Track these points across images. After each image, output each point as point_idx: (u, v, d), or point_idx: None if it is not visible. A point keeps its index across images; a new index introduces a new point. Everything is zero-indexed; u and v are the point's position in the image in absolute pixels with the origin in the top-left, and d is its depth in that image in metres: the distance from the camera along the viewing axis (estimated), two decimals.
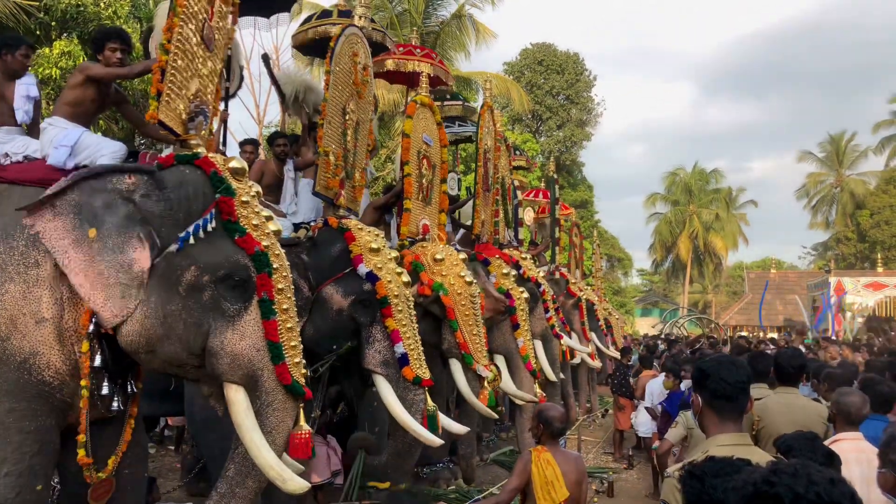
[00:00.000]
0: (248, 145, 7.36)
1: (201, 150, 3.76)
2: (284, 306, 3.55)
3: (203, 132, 3.98)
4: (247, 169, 3.76)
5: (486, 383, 6.26)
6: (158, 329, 3.34)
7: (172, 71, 3.69)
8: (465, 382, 6.20)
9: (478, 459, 8.48)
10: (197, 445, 5.81)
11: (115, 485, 3.82)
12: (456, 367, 6.24)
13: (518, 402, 7.01)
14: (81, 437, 3.52)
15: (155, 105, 3.58)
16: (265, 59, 7.54)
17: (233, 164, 3.69)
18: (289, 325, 3.55)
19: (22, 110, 4.59)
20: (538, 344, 7.76)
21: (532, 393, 7.17)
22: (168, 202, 3.44)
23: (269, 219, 3.71)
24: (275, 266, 3.54)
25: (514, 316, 7.34)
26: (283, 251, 3.71)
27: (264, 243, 3.54)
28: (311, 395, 3.61)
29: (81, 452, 3.54)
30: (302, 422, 3.56)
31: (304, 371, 3.59)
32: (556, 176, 14.96)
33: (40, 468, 3.46)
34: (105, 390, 3.59)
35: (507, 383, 7.06)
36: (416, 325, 5.14)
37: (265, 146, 8.56)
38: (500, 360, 7.25)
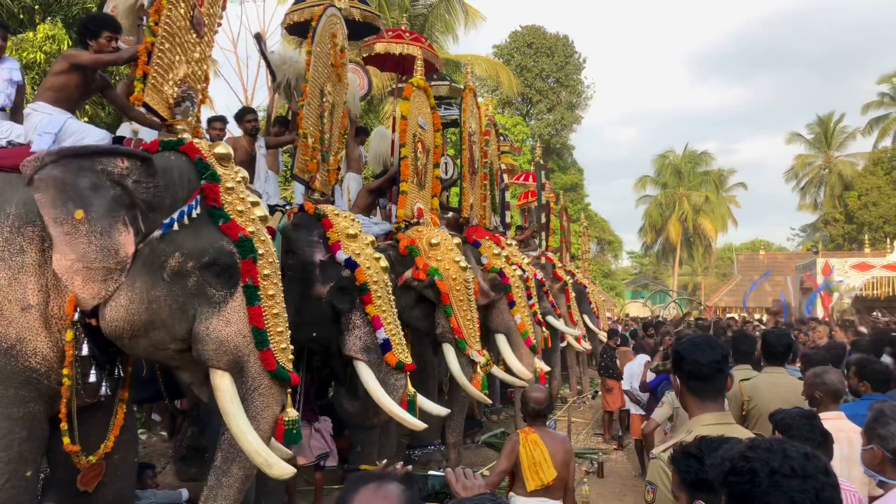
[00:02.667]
0: (217, 122, 7.18)
1: (186, 135, 3.74)
2: (270, 292, 3.55)
3: (190, 118, 3.96)
4: (232, 154, 3.73)
5: (478, 368, 6.30)
6: (143, 314, 3.35)
7: (159, 53, 3.66)
8: (459, 367, 6.24)
9: (469, 441, 8.59)
10: (200, 427, 5.79)
11: (104, 469, 3.84)
12: (449, 351, 6.27)
13: (516, 382, 7.10)
14: (64, 426, 3.54)
15: (140, 87, 3.55)
16: (258, 38, 7.46)
17: (218, 149, 3.67)
18: (275, 311, 3.55)
19: (3, 94, 4.55)
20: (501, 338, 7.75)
21: (531, 368, 7.23)
22: (157, 188, 3.43)
23: (254, 204, 3.69)
24: (260, 252, 3.53)
25: (510, 294, 7.39)
26: (269, 237, 3.70)
27: (249, 229, 3.53)
28: (297, 380, 3.62)
29: (66, 440, 3.56)
30: (289, 407, 3.56)
31: (290, 357, 3.60)
32: (542, 161, 14.98)
33: (29, 454, 3.48)
34: (92, 378, 3.60)
35: (510, 360, 7.15)
36: (395, 311, 5.13)
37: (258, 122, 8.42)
38: (500, 339, 7.33)
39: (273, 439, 3.61)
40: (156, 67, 3.66)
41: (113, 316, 3.34)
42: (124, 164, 3.37)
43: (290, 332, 3.71)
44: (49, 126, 3.84)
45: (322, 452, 5.88)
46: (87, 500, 3.85)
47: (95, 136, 3.86)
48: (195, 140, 3.69)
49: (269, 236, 3.72)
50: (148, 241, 3.38)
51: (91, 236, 3.29)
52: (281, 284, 3.71)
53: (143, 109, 3.82)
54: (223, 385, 3.42)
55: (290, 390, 3.65)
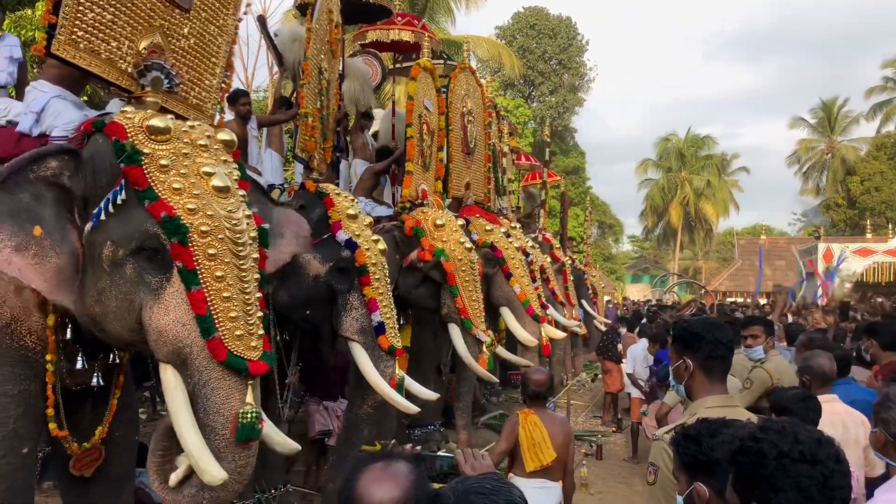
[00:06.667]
0: None
1: (148, 110, 3.49)
2: (218, 273, 3.15)
3: (174, 88, 3.80)
4: (170, 127, 3.31)
5: (484, 347, 6.34)
6: (96, 307, 3.25)
7: (112, 26, 3.49)
8: (465, 347, 6.29)
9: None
10: None
11: (103, 453, 3.83)
12: (455, 331, 6.32)
13: (521, 362, 7.15)
14: (50, 411, 3.50)
15: (43, 37, 3.34)
16: (261, 20, 7.38)
17: (152, 122, 3.27)
18: (225, 295, 3.15)
19: (5, 72, 4.53)
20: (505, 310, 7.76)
21: (536, 335, 7.26)
22: (86, 179, 3.28)
23: (208, 174, 3.26)
24: (204, 229, 3.14)
25: (506, 266, 7.42)
26: (221, 210, 3.24)
27: (189, 206, 3.15)
28: (262, 369, 3.22)
29: (52, 426, 3.53)
30: (249, 398, 3.14)
31: (254, 343, 3.20)
32: (549, 140, 14.95)
33: (25, 432, 3.47)
34: (79, 364, 3.56)
35: (515, 329, 7.23)
36: (390, 294, 5.14)
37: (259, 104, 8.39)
38: (504, 311, 7.38)
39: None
40: (100, 36, 3.49)
41: (77, 309, 3.30)
42: (54, 163, 3.22)
43: (259, 314, 3.30)
44: (34, 105, 3.77)
45: (324, 429, 5.94)
46: (90, 479, 3.84)
47: (64, 120, 3.72)
48: (126, 114, 3.37)
49: (223, 209, 3.24)
50: (85, 234, 3.26)
51: (55, 248, 3.18)
52: (243, 263, 3.27)
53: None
54: (165, 377, 3.20)
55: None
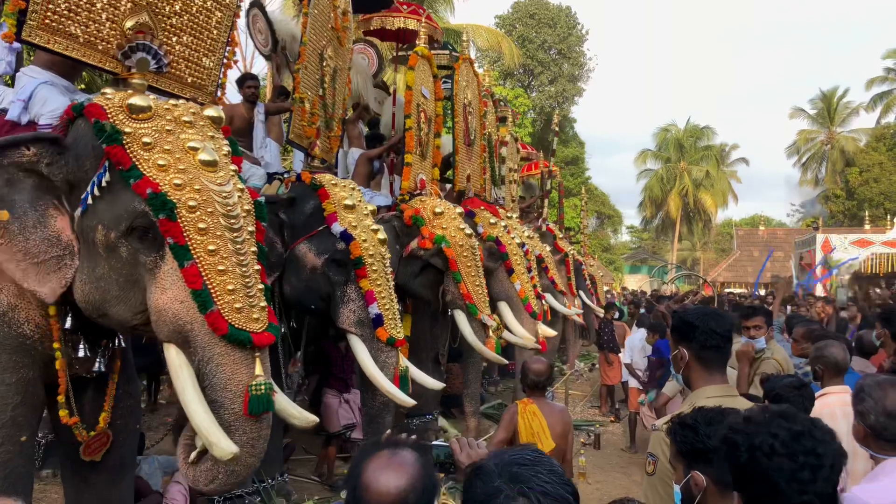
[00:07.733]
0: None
1: (129, 90, 3.44)
2: (211, 247, 3.07)
3: (163, 69, 3.73)
4: (150, 106, 3.25)
5: (490, 332, 6.35)
6: (95, 294, 3.24)
7: (88, 8, 3.42)
8: (472, 332, 6.29)
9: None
10: None
11: (111, 437, 3.83)
12: (461, 317, 6.33)
13: (528, 344, 7.17)
14: (61, 398, 3.50)
15: (11, 23, 3.29)
16: (260, 5, 7.35)
17: (132, 100, 3.20)
18: (221, 268, 3.07)
19: (4, 61, 4.49)
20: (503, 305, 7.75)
21: (534, 332, 7.28)
22: (68, 165, 3.26)
23: (193, 149, 3.20)
24: (191, 204, 3.07)
25: (508, 261, 7.43)
26: (209, 184, 3.17)
27: (176, 181, 3.08)
28: (268, 340, 3.13)
29: (63, 413, 3.53)
30: (258, 370, 3.06)
31: (256, 315, 3.12)
32: (557, 129, 14.90)
33: (24, 419, 3.46)
34: (81, 352, 3.55)
35: (513, 326, 7.22)
36: (391, 284, 5.08)
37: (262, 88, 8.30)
38: (502, 306, 7.38)
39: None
40: (77, 18, 3.43)
41: (77, 297, 3.29)
42: (31, 151, 3.21)
43: (261, 288, 3.22)
44: (21, 93, 3.73)
45: (349, 423, 5.97)
46: (91, 465, 3.85)
47: (50, 108, 3.70)
48: (106, 95, 3.31)
49: (211, 183, 3.17)
50: (76, 220, 3.26)
51: (26, 232, 3.18)
52: (238, 236, 3.18)
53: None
54: (169, 358, 3.14)
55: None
